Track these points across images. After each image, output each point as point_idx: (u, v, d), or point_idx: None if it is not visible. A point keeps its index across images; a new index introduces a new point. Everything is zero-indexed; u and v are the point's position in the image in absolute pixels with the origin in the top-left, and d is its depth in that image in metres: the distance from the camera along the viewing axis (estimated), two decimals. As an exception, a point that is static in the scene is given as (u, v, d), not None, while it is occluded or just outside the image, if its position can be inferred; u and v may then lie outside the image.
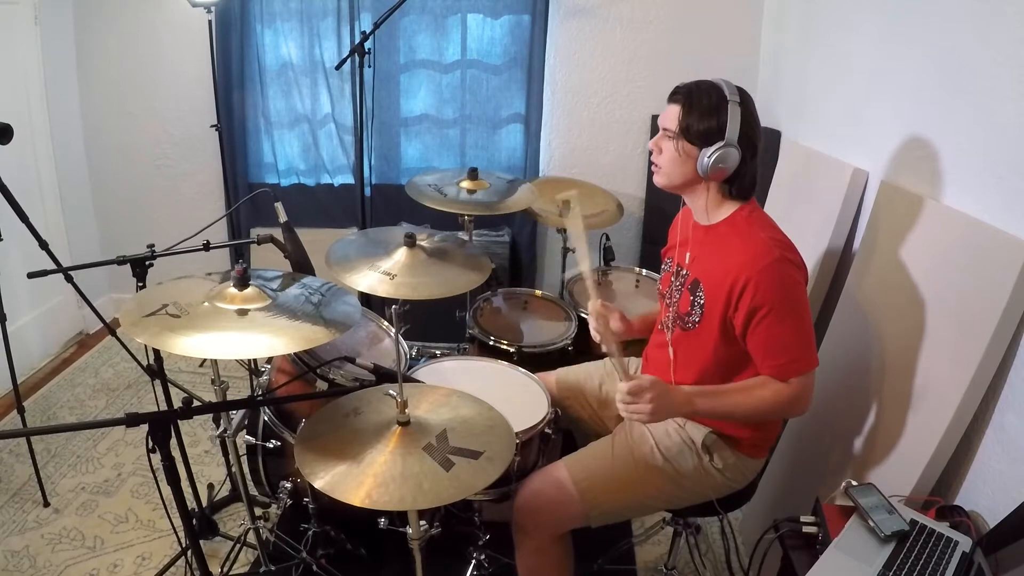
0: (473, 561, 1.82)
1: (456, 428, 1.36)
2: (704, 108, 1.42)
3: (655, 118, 3.10)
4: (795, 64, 2.63)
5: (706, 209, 1.53)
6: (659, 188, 1.56)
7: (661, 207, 3.16)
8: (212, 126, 3.06)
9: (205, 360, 2.71)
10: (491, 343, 2.17)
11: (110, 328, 2.43)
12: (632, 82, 3.10)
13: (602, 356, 1.90)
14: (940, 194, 1.62)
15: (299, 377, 1.83)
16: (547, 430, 1.73)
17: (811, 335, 1.45)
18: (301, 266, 1.92)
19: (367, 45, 2.55)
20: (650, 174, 3.16)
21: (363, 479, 1.22)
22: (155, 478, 1.38)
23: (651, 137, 3.05)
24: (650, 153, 1.55)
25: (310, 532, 1.96)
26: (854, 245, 1.99)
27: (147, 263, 1.78)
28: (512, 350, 2.14)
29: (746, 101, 1.44)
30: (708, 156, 1.42)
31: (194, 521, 2.11)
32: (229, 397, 1.85)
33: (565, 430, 1.93)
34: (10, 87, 2.88)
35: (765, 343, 1.43)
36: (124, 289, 3.46)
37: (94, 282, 3.29)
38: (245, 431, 1.94)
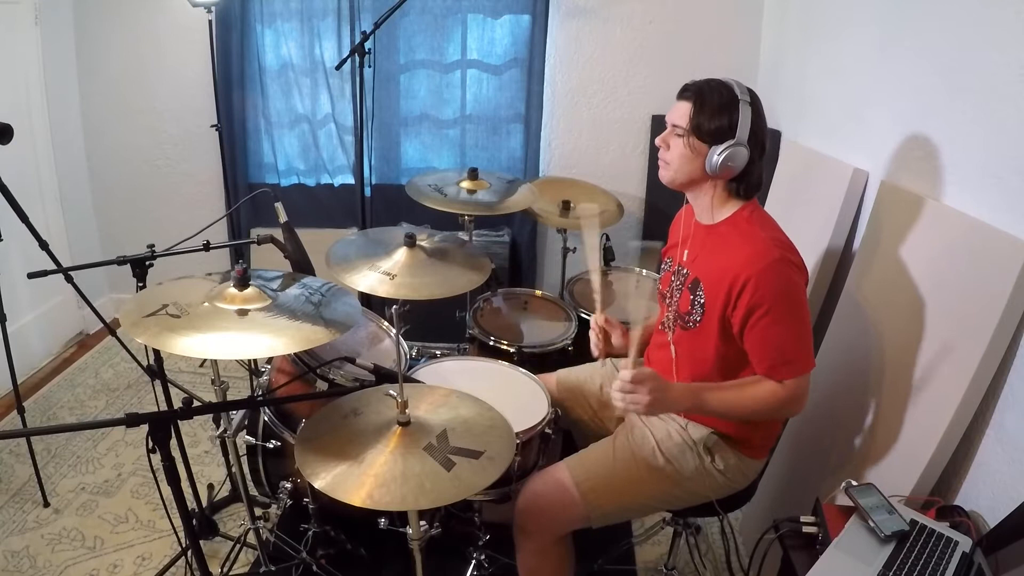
0: (473, 561, 1.82)
1: (456, 428, 1.36)
2: (715, 106, 1.42)
3: (655, 118, 3.11)
4: (795, 64, 2.63)
5: (710, 207, 1.53)
6: (662, 185, 1.56)
7: (661, 207, 3.16)
8: (212, 126, 3.06)
9: (205, 360, 2.71)
10: (491, 343, 2.17)
11: (110, 328, 2.43)
12: (632, 82, 3.10)
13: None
14: (940, 194, 1.63)
15: (299, 377, 1.83)
16: (547, 430, 1.73)
17: (809, 337, 1.45)
18: (301, 266, 1.92)
19: (367, 45, 2.54)
20: (650, 174, 3.19)
21: (364, 479, 1.22)
22: (155, 478, 1.38)
23: (651, 137, 3.10)
24: (655, 154, 1.55)
25: (310, 532, 1.96)
26: (854, 245, 2.00)
27: (147, 263, 1.78)
28: (512, 350, 2.14)
29: (755, 102, 1.45)
30: (718, 154, 1.43)
31: (194, 521, 2.10)
32: (229, 397, 1.85)
33: (565, 431, 1.93)
34: (10, 87, 2.88)
35: (761, 343, 1.43)
36: (124, 289, 3.47)
37: (94, 282, 3.30)
38: (245, 431, 1.94)
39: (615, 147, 3.21)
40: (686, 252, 1.60)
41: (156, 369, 1.95)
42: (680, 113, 1.47)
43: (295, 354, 1.79)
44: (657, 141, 1.54)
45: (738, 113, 1.41)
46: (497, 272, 2.52)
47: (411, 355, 2.34)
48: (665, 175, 1.54)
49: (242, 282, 1.44)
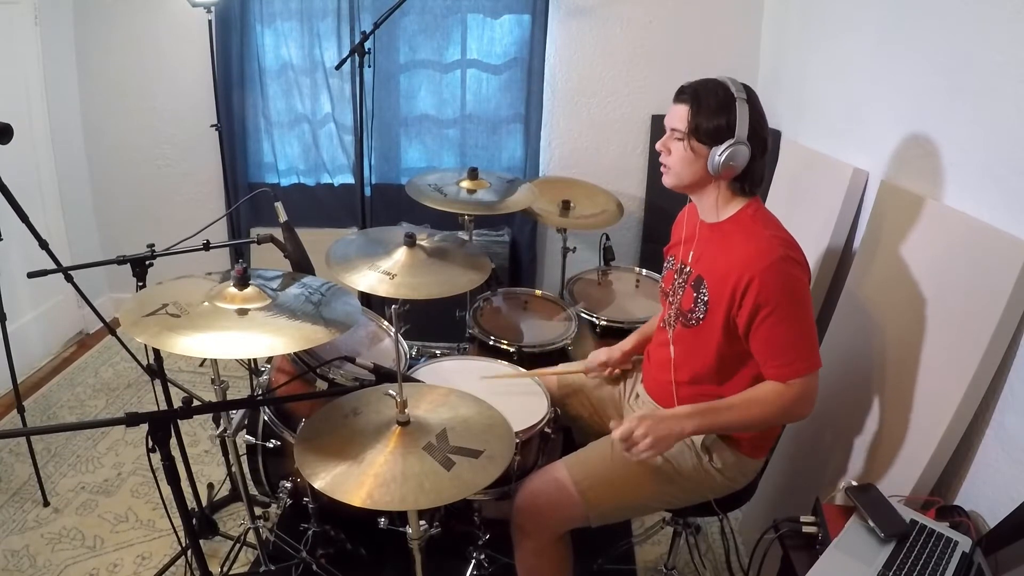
0: (473, 561, 1.82)
1: (456, 427, 1.36)
2: (713, 107, 1.42)
3: (655, 118, 3.11)
4: (795, 64, 2.63)
5: (715, 207, 1.53)
6: (662, 185, 1.56)
7: (661, 207, 3.16)
8: (212, 126, 3.06)
9: (205, 360, 2.71)
10: (491, 343, 2.17)
11: (110, 328, 2.42)
12: (632, 82, 3.10)
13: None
14: (940, 194, 1.62)
15: (299, 377, 1.83)
16: (547, 429, 1.73)
17: (814, 335, 1.45)
18: (301, 266, 1.92)
19: (367, 45, 2.54)
20: (650, 174, 3.19)
21: (363, 479, 1.22)
22: (155, 478, 1.38)
23: (651, 137, 3.11)
24: (655, 156, 1.55)
25: (310, 532, 1.96)
26: (854, 245, 2.00)
27: (147, 263, 1.78)
28: (512, 350, 2.14)
29: (752, 98, 1.44)
30: (719, 155, 1.42)
31: (194, 521, 2.11)
32: (229, 397, 1.85)
33: (565, 429, 1.93)
34: (10, 87, 2.88)
35: (768, 343, 1.43)
36: (124, 289, 3.46)
37: (94, 282, 3.30)
38: (245, 431, 1.94)
39: (615, 147, 3.21)
40: (690, 251, 1.59)
41: (156, 368, 1.95)
42: (678, 116, 1.47)
43: (295, 354, 1.79)
44: (657, 146, 1.53)
45: (736, 112, 1.41)
46: (497, 272, 2.52)
47: (411, 355, 2.33)
48: (668, 180, 1.54)
49: (242, 281, 1.44)
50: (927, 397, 1.51)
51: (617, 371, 1.87)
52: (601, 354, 1.85)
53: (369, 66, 2.63)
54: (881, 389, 1.67)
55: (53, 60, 3.07)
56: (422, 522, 1.44)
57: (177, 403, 1.34)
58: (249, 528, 1.91)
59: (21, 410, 2.32)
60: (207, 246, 1.84)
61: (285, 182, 3.34)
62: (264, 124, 3.25)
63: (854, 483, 1.38)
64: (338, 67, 2.77)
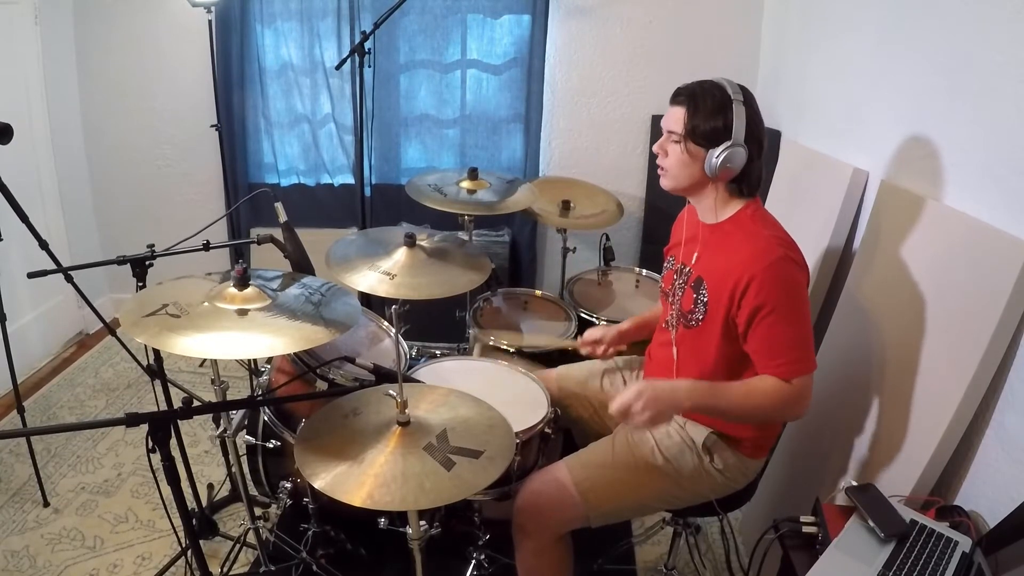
0: (473, 561, 1.82)
1: (456, 428, 1.36)
2: (709, 108, 1.42)
3: (655, 118, 3.10)
4: (795, 64, 2.63)
5: (714, 208, 1.53)
6: (664, 190, 1.56)
7: (661, 207, 3.16)
8: (212, 126, 3.06)
9: (205, 360, 2.71)
10: (491, 343, 2.17)
11: (110, 328, 2.43)
12: (632, 82, 3.10)
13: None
14: (940, 194, 1.62)
15: (299, 377, 1.83)
16: (547, 430, 1.73)
17: (811, 337, 1.45)
18: (301, 266, 1.92)
19: (367, 45, 2.55)
20: (650, 174, 3.19)
21: (364, 479, 1.22)
22: (155, 478, 1.38)
23: (651, 137, 3.11)
24: (655, 156, 1.55)
25: (310, 532, 1.96)
26: (854, 245, 2.00)
27: (147, 263, 1.78)
28: (512, 350, 2.14)
29: (749, 99, 1.44)
30: (716, 156, 1.42)
31: (194, 521, 2.10)
32: (229, 397, 1.85)
33: (565, 430, 1.93)
34: (10, 87, 2.88)
35: (766, 343, 1.42)
36: (124, 289, 3.46)
37: (94, 282, 3.30)
38: (245, 431, 1.94)
39: (615, 147, 3.21)
40: (691, 252, 1.59)
41: (156, 369, 1.95)
42: (675, 118, 1.47)
43: (295, 354, 1.79)
44: (655, 148, 1.53)
45: (732, 113, 1.41)
46: (497, 272, 2.52)
47: (411, 355, 2.33)
48: (666, 183, 1.54)
49: (242, 282, 1.44)
50: (927, 397, 1.51)
51: (611, 351, 1.86)
52: (596, 331, 1.87)
53: (369, 66, 2.63)
54: (881, 389, 1.67)
55: (53, 60, 3.07)
56: (422, 522, 1.44)
57: (177, 403, 1.34)
58: (249, 528, 1.91)
59: (21, 410, 2.32)
60: (207, 246, 1.84)
61: (285, 182, 3.34)
62: (264, 124, 3.25)
63: (854, 483, 1.38)
64: (338, 67, 2.77)
